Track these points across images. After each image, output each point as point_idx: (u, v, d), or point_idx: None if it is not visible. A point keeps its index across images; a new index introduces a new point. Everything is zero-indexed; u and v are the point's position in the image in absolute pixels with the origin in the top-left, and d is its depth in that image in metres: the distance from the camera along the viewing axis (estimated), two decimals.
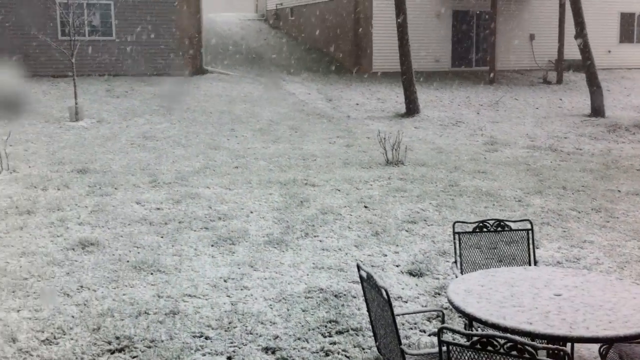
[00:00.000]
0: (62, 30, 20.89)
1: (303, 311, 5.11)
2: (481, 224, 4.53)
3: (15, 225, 7.00)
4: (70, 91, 14.68)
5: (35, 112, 14.47)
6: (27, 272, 5.75)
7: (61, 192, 8.37)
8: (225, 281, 5.67)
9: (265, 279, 5.75)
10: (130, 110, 15.08)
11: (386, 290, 3.21)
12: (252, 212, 7.73)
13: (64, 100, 15.54)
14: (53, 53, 20.28)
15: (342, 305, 5.22)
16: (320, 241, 6.79)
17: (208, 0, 28.13)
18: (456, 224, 4.60)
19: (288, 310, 5.12)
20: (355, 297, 5.35)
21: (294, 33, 29.01)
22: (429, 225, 7.35)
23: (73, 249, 6.34)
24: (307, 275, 5.87)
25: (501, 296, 3.53)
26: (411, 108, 15.77)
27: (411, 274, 5.94)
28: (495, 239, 4.58)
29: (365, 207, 8.05)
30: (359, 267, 3.55)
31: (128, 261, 6.07)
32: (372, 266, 6.12)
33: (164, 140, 12.06)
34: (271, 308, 5.16)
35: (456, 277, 4.21)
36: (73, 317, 4.91)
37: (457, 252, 4.52)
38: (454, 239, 4.54)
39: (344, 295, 5.42)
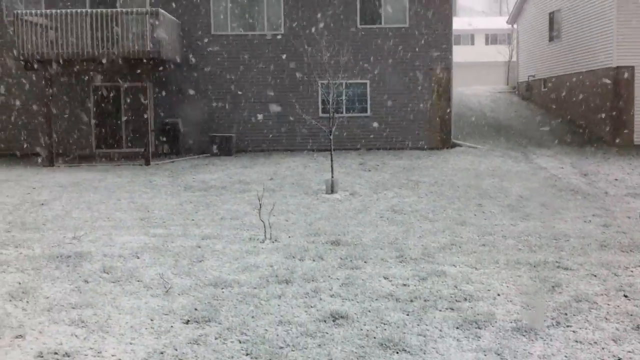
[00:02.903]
0: (322, 108, 22.68)
1: None
2: None
3: (274, 294, 7.60)
4: (327, 164, 15.75)
5: (297, 184, 15.73)
6: (283, 341, 6.18)
7: (316, 263, 8.93)
8: None
9: None
10: (381, 184, 15.69)
11: None
12: (499, 295, 7.53)
13: (321, 174, 16.67)
14: (314, 129, 22.05)
15: None
16: (574, 332, 6.38)
17: (458, 75, 28.52)
18: None
19: None
20: None
21: (546, 105, 28.17)
22: None
23: (324, 321, 6.69)
24: None
25: None
26: None
27: None
28: None
29: (625, 296, 7.41)
30: None
31: (375, 337, 6.25)
32: None
33: (411, 214, 12.32)
34: None
35: None
36: None
37: None
38: None
39: None
